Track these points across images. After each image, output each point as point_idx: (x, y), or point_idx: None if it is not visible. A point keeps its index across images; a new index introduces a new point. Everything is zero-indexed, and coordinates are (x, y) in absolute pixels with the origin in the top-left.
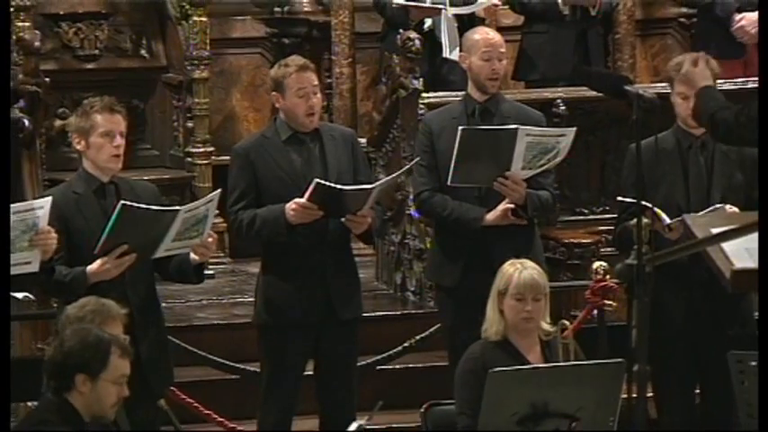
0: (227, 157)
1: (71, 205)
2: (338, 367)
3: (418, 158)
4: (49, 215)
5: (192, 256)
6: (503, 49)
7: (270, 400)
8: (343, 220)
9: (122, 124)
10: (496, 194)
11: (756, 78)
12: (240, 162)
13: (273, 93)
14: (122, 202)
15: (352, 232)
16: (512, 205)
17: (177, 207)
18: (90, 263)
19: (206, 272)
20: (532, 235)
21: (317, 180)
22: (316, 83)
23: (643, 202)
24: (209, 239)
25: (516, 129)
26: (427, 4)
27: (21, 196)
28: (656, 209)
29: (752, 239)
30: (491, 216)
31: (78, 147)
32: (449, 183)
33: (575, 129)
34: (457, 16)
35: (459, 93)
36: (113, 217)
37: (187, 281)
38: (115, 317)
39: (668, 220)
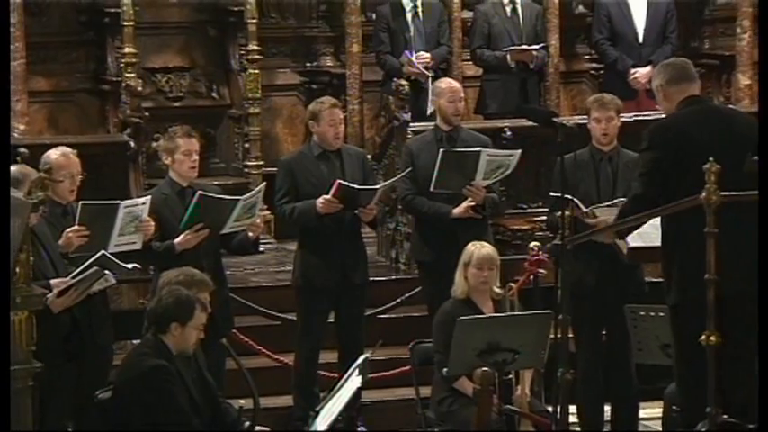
0: (273, 168)
1: (161, 202)
2: (351, 317)
3: (408, 170)
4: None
5: (249, 234)
6: (462, 94)
7: (303, 339)
8: (356, 211)
9: (197, 145)
10: (460, 196)
11: (646, 113)
12: (284, 170)
13: (310, 121)
14: (199, 192)
15: (362, 220)
16: (473, 203)
17: (237, 197)
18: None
19: (260, 247)
20: (486, 225)
21: (340, 181)
22: (341, 116)
23: (568, 196)
24: (258, 220)
25: (480, 151)
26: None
27: (128, 197)
28: (576, 200)
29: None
30: (456, 211)
31: (166, 161)
32: (431, 189)
33: (520, 151)
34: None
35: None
36: (193, 203)
37: (246, 252)
38: (208, 287)
39: (585, 209)
